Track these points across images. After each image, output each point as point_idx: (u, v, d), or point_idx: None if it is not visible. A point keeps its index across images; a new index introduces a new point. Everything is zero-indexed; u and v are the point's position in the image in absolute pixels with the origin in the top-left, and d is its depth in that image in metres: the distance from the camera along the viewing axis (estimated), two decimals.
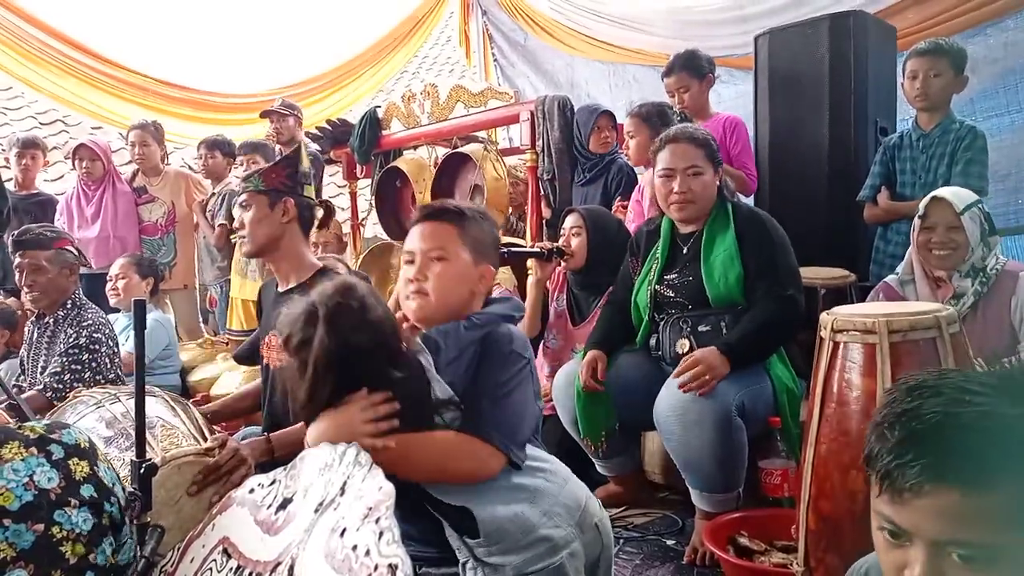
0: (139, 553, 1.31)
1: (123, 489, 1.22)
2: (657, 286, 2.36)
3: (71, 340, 2.71)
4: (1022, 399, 0.86)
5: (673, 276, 2.35)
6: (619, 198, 3.40)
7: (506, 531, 1.41)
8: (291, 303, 1.44)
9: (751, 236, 2.24)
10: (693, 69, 3.40)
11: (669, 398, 2.10)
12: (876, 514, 0.91)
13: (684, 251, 2.36)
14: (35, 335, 2.91)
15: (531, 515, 1.44)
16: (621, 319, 2.48)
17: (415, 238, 1.63)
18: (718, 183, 2.34)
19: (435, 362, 1.52)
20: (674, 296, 2.32)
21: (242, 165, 4.53)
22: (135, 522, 1.30)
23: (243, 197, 2.24)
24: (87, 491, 1.12)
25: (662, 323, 2.33)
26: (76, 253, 2.90)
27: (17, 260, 2.80)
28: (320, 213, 2.36)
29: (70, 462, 1.13)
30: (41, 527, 1.06)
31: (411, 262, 1.62)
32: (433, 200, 4.34)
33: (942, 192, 2.28)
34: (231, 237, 4.55)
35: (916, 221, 2.28)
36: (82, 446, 1.17)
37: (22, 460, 1.08)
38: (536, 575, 1.39)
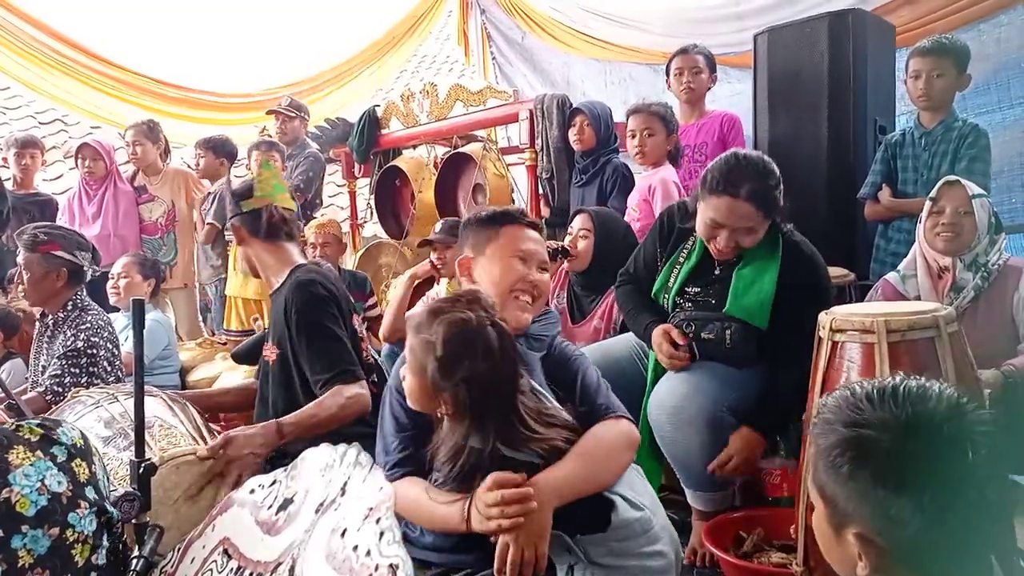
0: (138, 553, 1.31)
1: (107, 481, 1.23)
2: (677, 298, 2.23)
3: (69, 343, 2.69)
4: (896, 424, 0.92)
5: (696, 290, 2.21)
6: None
7: (633, 531, 1.41)
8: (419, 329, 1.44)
9: (794, 278, 2.07)
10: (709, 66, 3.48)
11: (661, 398, 2.08)
12: None
13: (716, 271, 2.19)
14: (38, 334, 2.91)
15: (654, 524, 1.45)
16: (646, 289, 2.34)
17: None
18: None
19: None
20: (691, 308, 2.21)
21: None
22: (133, 521, 1.30)
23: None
24: (91, 493, 1.13)
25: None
26: (71, 256, 2.80)
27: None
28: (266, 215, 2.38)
29: (73, 464, 1.13)
30: (56, 531, 1.06)
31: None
32: (436, 200, 4.34)
33: (956, 176, 2.26)
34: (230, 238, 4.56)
35: (926, 207, 2.25)
36: (79, 444, 1.18)
37: (31, 464, 1.09)
38: None
